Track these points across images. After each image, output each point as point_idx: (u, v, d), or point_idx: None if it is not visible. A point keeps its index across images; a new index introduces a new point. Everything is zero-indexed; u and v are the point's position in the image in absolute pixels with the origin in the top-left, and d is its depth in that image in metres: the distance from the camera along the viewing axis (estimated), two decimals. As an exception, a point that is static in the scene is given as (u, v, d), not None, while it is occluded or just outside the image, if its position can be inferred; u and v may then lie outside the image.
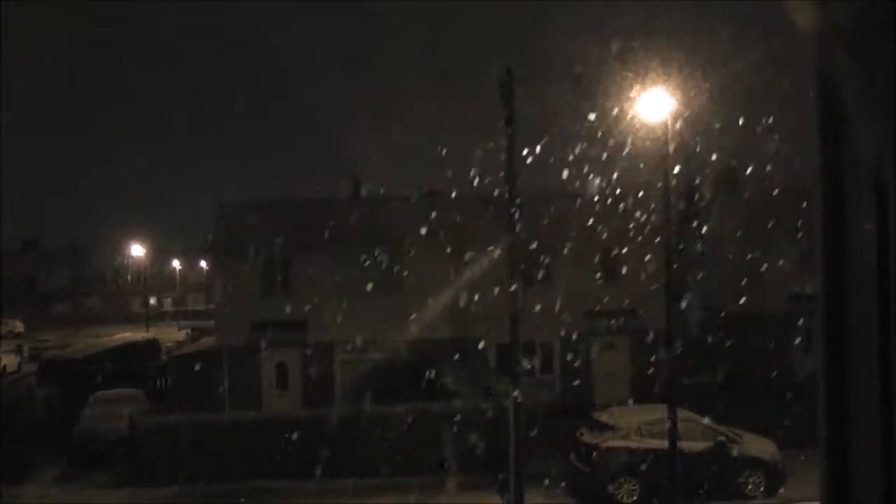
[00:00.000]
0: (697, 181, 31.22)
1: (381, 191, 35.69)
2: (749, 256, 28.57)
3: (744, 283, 28.47)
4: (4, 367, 52.77)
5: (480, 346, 27.76)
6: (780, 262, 27.97)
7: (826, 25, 1.52)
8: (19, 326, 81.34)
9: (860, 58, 1.47)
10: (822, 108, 1.62)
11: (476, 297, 28.88)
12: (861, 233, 1.60)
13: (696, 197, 30.75)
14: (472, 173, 28.19)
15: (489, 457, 23.73)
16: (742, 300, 28.23)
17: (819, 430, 1.79)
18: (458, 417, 24.65)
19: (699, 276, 29.00)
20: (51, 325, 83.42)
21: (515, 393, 20.86)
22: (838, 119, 1.59)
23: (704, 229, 29.99)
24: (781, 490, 21.19)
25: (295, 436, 24.76)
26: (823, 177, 1.69)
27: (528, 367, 28.37)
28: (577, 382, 30.45)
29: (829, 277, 1.72)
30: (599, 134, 21.43)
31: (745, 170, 29.51)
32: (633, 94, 17.83)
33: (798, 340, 28.19)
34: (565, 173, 24.90)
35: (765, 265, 28.19)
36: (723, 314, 28.67)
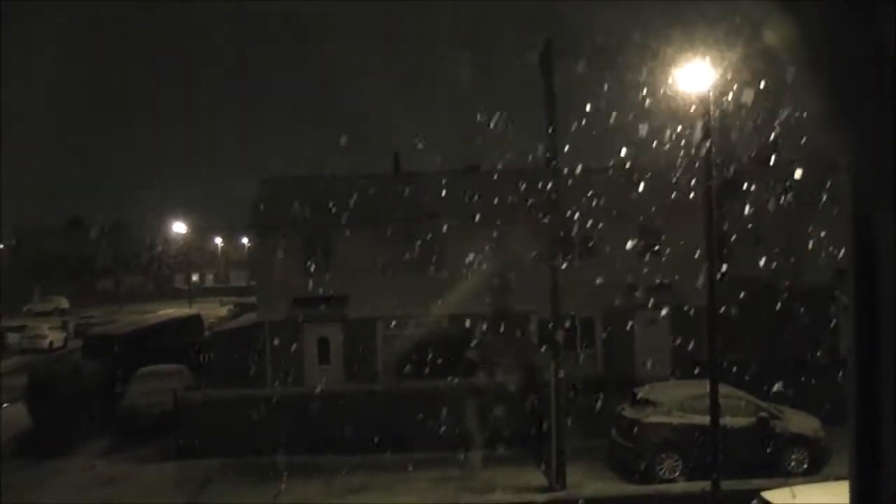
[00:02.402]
0: (739, 153, 30.85)
1: (421, 166, 35.63)
2: (793, 230, 28.24)
3: (788, 257, 28.16)
4: (51, 342, 53.76)
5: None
6: (825, 236, 27.59)
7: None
8: (64, 303, 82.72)
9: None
10: (843, 94, 1.59)
11: (517, 272, 28.87)
12: (890, 217, 1.57)
13: (737, 170, 30.39)
14: (510, 148, 28.12)
15: (530, 431, 23.78)
16: (787, 275, 27.93)
17: (849, 410, 1.78)
18: (498, 392, 24.69)
19: (743, 251, 28.71)
20: (95, 301, 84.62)
21: (557, 368, 20.87)
22: (860, 104, 1.55)
23: (747, 205, 29.67)
24: (825, 467, 20.98)
25: (337, 410, 24.95)
26: (851, 159, 1.66)
27: (569, 340, 28.32)
28: (618, 357, 30.39)
29: (858, 260, 1.70)
30: (640, 107, 21.21)
31: (788, 142, 29.09)
32: (673, 66, 17.61)
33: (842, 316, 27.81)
34: (606, 147, 24.75)
35: (810, 239, 27.84)
36: (767, 289, 28.35)
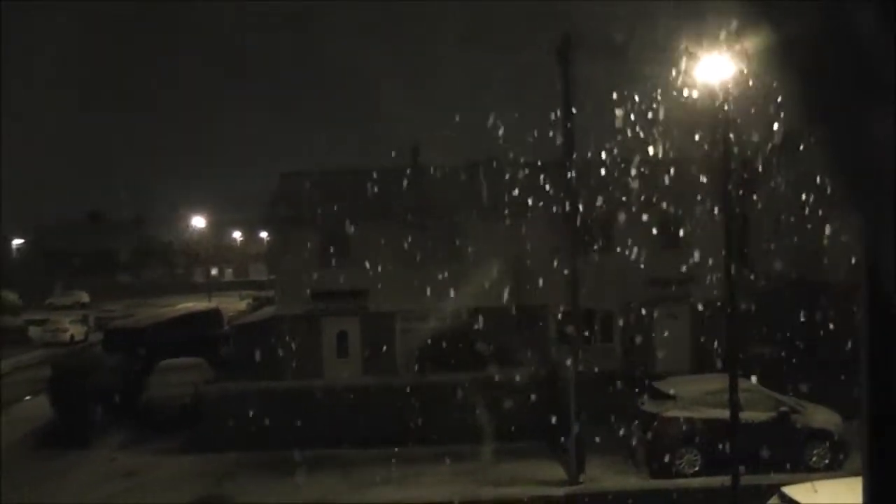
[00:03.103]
0: (760, 146, 30.68)
1: (439, 160, 35.56)
2: (818, 223, 28.04)
3: (810, 250, 27.97)
4: (72, 336, 54.13)
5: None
6: (847, 228, 27.42)
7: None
8: (85, 297, 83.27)
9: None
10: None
11: (536, 265, 28.82)
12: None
13: (759, 164, 30.20)
14: (528, 141, 28.08)
15: (549, 425, 23.75)
16: (808, 268, 27.74)
17: (862, 403, 1.78)
18: (517, 385, 24.67)
19: (763, 244, 28.55)
20: (115, 295, 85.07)
21: (572, 361, 20.83)
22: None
23: (767, 195, 29.50)
24: (846, 463, 20.86)
25: (356, 404, 25.02)
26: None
27: (587, 335, 28.32)
28: (637, 351, 30.29)
29: (870, 258, 1.69)
30: (658, 100, 21.13)
31: (809, 134, 28.89)
32: (689, 58, 17.51)
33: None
34: (625, 140, 24.65)
35: (830, 231, 27.67)
36: (787, 282, 28.20)
